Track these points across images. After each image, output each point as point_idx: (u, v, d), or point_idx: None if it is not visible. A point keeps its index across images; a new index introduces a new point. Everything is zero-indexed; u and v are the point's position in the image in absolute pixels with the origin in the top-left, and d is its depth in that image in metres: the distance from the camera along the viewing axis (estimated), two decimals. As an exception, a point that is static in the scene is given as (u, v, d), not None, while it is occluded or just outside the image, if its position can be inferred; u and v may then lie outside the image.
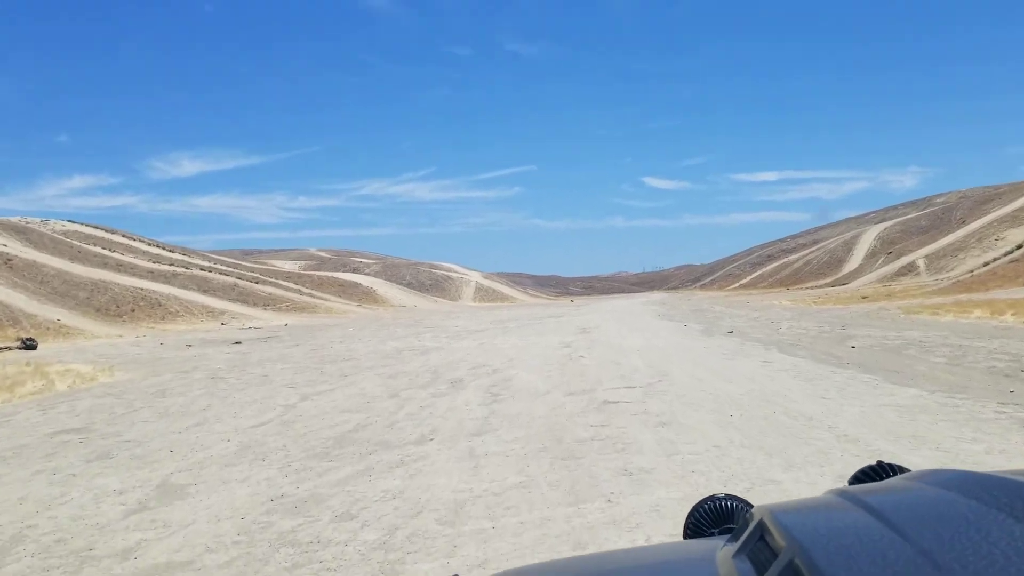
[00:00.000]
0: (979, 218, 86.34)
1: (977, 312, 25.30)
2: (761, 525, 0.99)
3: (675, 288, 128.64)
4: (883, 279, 78.78)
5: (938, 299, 38.56)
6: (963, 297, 36.93)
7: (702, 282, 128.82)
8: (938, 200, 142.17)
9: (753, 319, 34.03)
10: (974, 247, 77.24)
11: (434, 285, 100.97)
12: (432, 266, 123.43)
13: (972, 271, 51.05)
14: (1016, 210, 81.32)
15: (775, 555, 0.88)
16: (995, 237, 77.38)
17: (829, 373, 13.11)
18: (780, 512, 0.99)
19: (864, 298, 47.26)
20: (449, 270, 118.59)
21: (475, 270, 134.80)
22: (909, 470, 1.16)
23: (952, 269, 74.00)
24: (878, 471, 1.21)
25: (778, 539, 0.89)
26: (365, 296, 78.20)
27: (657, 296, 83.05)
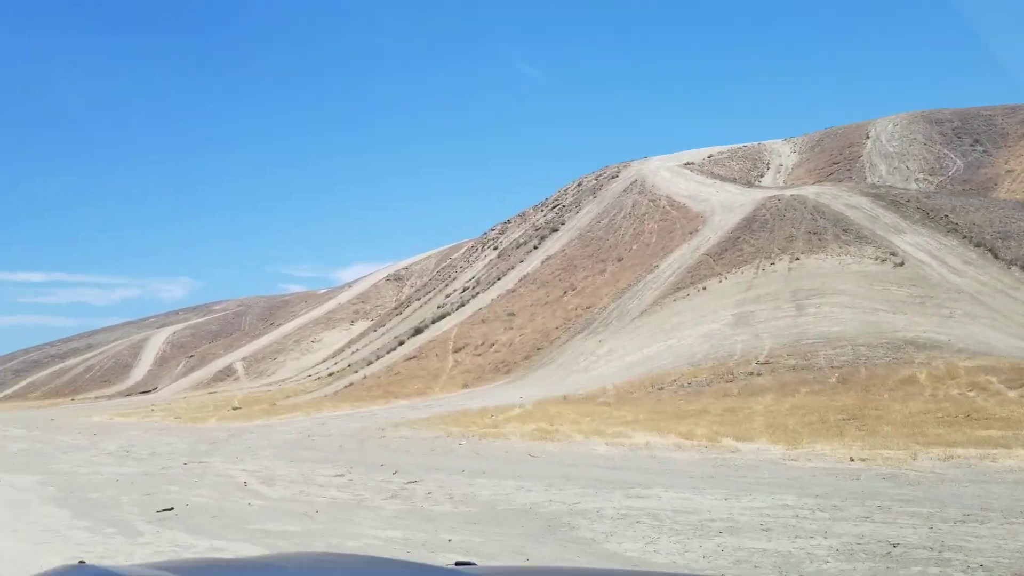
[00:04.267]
0: (291, 320, 79.52)
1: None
2: None
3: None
4: (198, 385, 65.22)
5: (377, 408, 27.07)
6: (404, 402, 26.06)
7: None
8: (218, 307, 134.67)
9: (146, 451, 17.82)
10: (292, 349, 69.29)
11: None
12: None
13: (364, 370, 41.20)
14: (328, 312, 76.59)
15: None
16: (312, 339, 70.80)
17: None
18: None
19: (236, 409, 33.51)
20: None
21: None
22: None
23: (274, 373, 64.52)
24: None
25: None
26: None
27: None
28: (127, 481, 13.28)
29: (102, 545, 8.53)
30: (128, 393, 74.55)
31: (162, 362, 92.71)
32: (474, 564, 1.57)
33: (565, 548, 7.72)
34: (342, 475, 12.97)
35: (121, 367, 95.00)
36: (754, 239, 32.94)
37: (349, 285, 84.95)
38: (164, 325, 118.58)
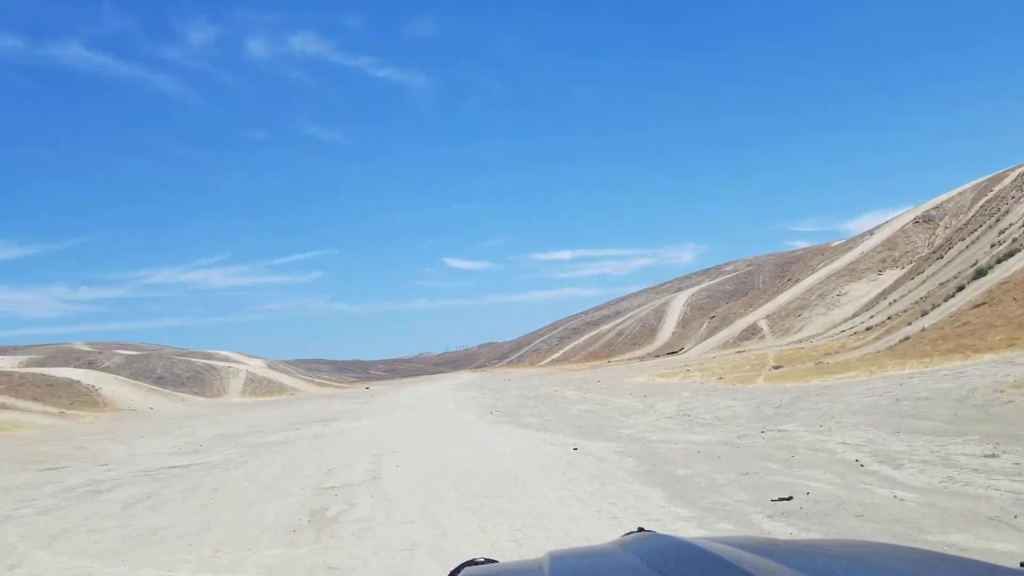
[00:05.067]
0: (809, 275, 75.07)
1: None
2: None
3: (482, 367, 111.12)
4: (725, 344, 64.58)
5: (960, 364, 22.29)
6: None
7: (509, 359, 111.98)
8: (727, 268, 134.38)
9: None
10: (816, 304, 64.90)
11: (193, 378, 76.67)
12: (205, 355, 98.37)
13: (886, 324, 36.15)
14: (850, 263, 70.44)
15: None
16: (836, 293, 65.54)
17: None
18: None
19: (777, 368, 30.97)
20: (219, 358, 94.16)
21: (257, 357, 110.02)
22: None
23: (800, 330, 60.88)
24: None
25: None
26: (80, 398, 54.26)
27: (466, 377, 64.55)
28: (709, 453, 11.31)
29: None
30: (656, 354, 77.36)
31: (684, 323, 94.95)
32: None
33: None
34: (994, 455, 9.33)
35: (648, 330, 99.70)
36: None
37: (871, 232, 77.17)
38: (680, 289, 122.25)
